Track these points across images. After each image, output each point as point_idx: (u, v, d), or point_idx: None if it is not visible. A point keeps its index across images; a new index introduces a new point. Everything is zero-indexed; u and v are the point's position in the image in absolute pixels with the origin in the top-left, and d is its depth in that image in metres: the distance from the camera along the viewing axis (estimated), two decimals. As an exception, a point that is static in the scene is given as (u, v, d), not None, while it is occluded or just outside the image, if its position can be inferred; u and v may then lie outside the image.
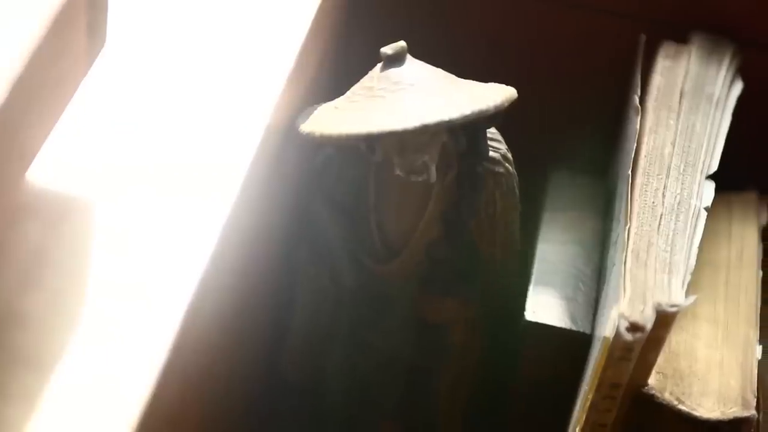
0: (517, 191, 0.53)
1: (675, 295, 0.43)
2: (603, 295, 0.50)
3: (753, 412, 0.44)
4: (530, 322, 0.51)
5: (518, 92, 0.49)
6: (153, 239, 0.39)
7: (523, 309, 0.51)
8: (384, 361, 0.54)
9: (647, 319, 0.42)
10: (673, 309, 0.42)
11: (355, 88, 0.49)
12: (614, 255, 0.48)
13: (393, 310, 0.53)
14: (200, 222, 0.40)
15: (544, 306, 0.51)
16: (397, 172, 0.49)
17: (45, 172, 0.40)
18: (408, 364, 0.54)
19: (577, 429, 0.45)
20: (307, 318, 0.55)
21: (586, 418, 0.44)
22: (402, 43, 0.48)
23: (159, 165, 0.42)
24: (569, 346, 0.50)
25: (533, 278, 0.53)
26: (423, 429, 0.56)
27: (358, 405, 0.56)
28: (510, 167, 0.52)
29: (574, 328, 0.51)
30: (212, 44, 0.47)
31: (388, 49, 0.48)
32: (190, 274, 0.38)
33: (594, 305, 0.52)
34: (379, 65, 0.49)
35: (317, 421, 0.56)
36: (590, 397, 0.44)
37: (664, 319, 0.42)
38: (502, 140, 0.52)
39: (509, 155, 0.52)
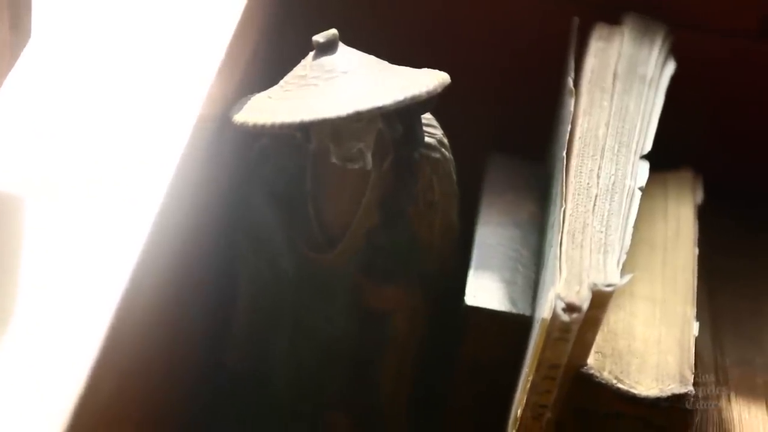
0: (454, 176, 0.53)
1: (610, 275, 0.43)
2: (542, 277, 0.50)
3: (690, 388, 0.45)
4: (470, 306, 0.51)
5: (454, 77, 0.49)
6: (82, 234, 0.39)
7: (463, 293, 0.52)
8: (327, 349, 0.54)
9: (583, 300, 0.42)
10: (609, 288, 0.43)
11: (288, 77, 0.49)
12: (552, 237, 0.48)
13: (334, 298, 0.53)
14: (130, 216, 0.39)
15: (484, 290, 0.52)
16: (333, 160, 0.49)
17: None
18: (351, 352, 0.54)
19: (519, 411, 0.45)
20: (248, 308, 0.54)
21: (527, 399, 0.44)
22: (333, 31, 0.48)
23: (87, 159, 0.41)
24: (510, 329, 0.51)
25: (472, 262, 0.53)
26: (368, 417, 0.56)
27: (302, 394, 0.56)
28: (446, 152, 0.52)
29: (514, 310, 0.51)
30: (140, 36, 0.47)
31: (320, 37, 0.48)
32: (121, 269, 0.37)
33: (534, 287, 0.52)
34: (312, 54, 0.48)
35: (262, 412, 0.56)
36: (530, 378, 0.44)
37: (601, 299, 0.43)
38: (438, 126, 0.52)
39: (445, 140, 0.52)
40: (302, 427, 0.56)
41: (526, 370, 0.45)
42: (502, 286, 0.52)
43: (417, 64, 0.49)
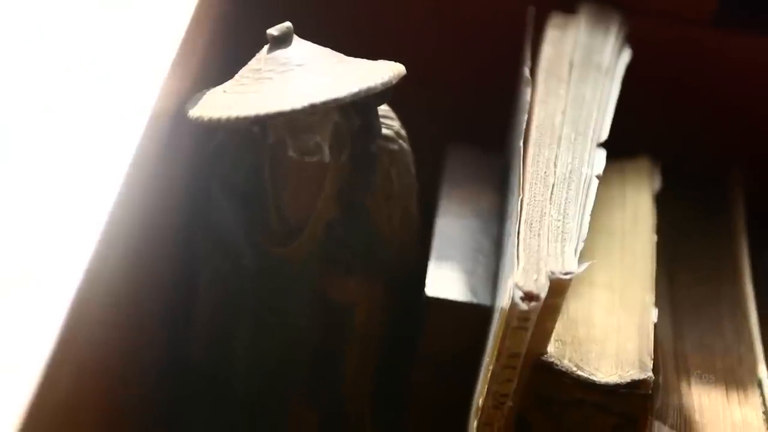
0: (412, 168, 0.53)
1: (568, 263, 0.43)
2: (501, 267, 0.50)
3: (650, 373, 0.45)
4: (431, 297, 0.51)
5: (411, 68, 0.49)
6: (36, 230, 0.38)
7: (424, 285, 0.52)
8: (289, 342, 0.54)
9: (541, 288, 0.42)
10: (567, 276, 0.43)
11: (243, 71, 0.48)
12: (510, 227, 0.48)
13: (295, 292, 0.53)
14: (83, 213, 0.39)
15: (444, 281, 0.52)
16: (291, 153, 0.48)
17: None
18: (313, 345, 0.54)
19: (480, 400, 0.45)
20: (209, 303, 0.54)
21: (488, 388, 0.45)
22: (288, 24, 0.48)
23: (37, 157, 0.41)
24: (470, 320, 0.51)
25: (432, 253, 0.53)
26: (332, 409, 0.56)
27: (266, 389, 0.55)
28: (404, 144, 0.52)
29: (474, 301, 0.51)
30: (92, 30, 0.46)
31: (274, 31, 0.48)
32: (76, 264, 0.37)
33: (494, 278, 0.52)
34: (266, 47, 0.48)
35: (225, 407, 0.56)
36: (491, 367, 0.44)
37: (559, 287, 0.43)
38: (395, 117, 0.52)
39: (403, 132, 0.52)
40: (267, 422, 0.56)
41: (487, 359, 0.46)
42: (462, 277, 0.52)
43: (373, 56, 0.49)
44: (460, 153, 0.58)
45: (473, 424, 0.46)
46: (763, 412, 0.49)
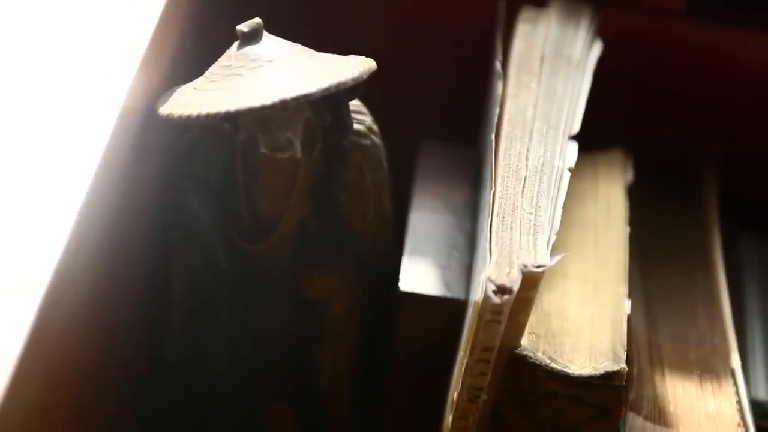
0: (385, 162, 0.53)
1: (540, 256, 0.43)
2: (475, 261, 0.50)
3: (623, 365, 0.45)
4: (404, 292, 0.51)
5: (383, 63, 0.49)
6: (3, 230, 0.38)
7: (398, 279, 0.52)
8: (264, 339, 0.54)
9: (514, 281, 0.42)
10: (539, 269, 0.43)
11: (213, 68, 0.48)
12: (483, 221, 0.48)
13: (270, 288, 0.53)
14: (52, 211, 0.39)
15: (418, 275, 0.52)
16: (262, 149, 0.48)
17: None
18: (289, 342, 0.54)
19: (455, 394, 0.45)
20: (184, 301, 0.54)
21: (462, 382, 0.45)
22: (257, 20, 0.48)
23: (5, 156, 0.41)
24: (445, 314, 0.51)
25: (406, 248, 0.53)
26: (310, 406, 0.56)
27: (242, 386, 0.55)
28: (376, 139, 0.52)
29: (448, 295, 0.51)
30: (61, 27, 0.46)
31: (243, 27, 0.48)
32: (45, 264, 0.37)
33: (468, 272, 0.52)
34: (236, 43, 0.48)
35: (201, 404, 0.56)
36: (465, 361, 0.44)
37: (531, 280, 0.43)
38: (367, 112, 0.52)
39: (375, 127, 0.52)
40: (244, 419, 0.56)
41: (461, 353, 0.46)
42: (437, 271, 0.52)
43: (344, 52, 0.49)
44: (434, 148, 0.58)
45: (449, 418, 0.46)
46: (737, 402, 0.49)
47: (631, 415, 0.48)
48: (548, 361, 0.45)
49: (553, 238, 0.45)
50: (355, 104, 0.51)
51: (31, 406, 0.37)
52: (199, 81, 0.48)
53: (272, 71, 0.47)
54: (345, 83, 0.46)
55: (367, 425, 0.57)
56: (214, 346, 0.55)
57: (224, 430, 0.56)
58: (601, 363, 0.45)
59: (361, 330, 0.55)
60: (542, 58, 0.53)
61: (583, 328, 0.47)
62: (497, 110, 0.50)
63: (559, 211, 0.46)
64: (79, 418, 0.45)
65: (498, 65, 0.52)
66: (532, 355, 0.45)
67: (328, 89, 0.46)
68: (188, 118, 0.46)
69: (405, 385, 0.54)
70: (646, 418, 0.48)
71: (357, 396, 0.56)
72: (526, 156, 0.48)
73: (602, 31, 0.55)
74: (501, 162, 0.48)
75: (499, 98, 0.50)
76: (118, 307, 0.49)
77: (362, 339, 0.55)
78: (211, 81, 0.48)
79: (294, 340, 0.54)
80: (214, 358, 0.55)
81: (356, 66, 0.47)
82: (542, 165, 0.48)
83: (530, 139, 0.49)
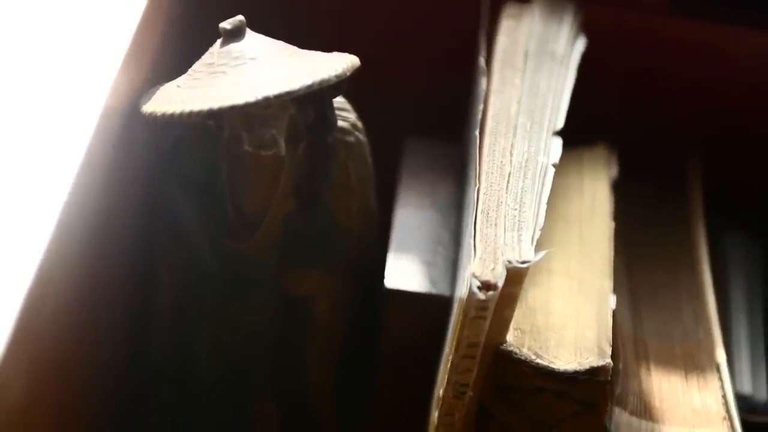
0: (369, 159, 0.53)
1: (525, 252, 0.43)
2: (460, 257, 0.50)
3: (608, 360, 0.45)
4: (390, 288, 0.51)
5: (367, 60, 0.49)
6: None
7: (383, 276, 0.52)
8: (250, 338, 0.54)
9: (498, 277, 0.42)
10: (524, 265, 0.43)
11: (196, 66, 0.48)
12: (468, 217, 0.48)
13: (255, 286, 0.53)
14: (34, 211, 0.39)
15: (403, 272, 0.52)
16: (247, 147, 0.48)
17: None
18: (275, 340, 0.54)
19: (441, 391, 0.45)
20: (169, 300, 0.54)
21: (448, 378, 0.45)
22: (240, 17, 0.48)
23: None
24: (430, 310, 0.51)
25: (391, 245, 0.53)
26: (296, 405, 0.56)
27: (229, 385, 0.55)
28: (360, 136, 0.52)
29: (433, 291, 0.51)
30: (42, 25, 0.46)
31: (226, 24, 0.48)
32: (27, 264, 0.37)
33: (454, 268, 0.52)
34: (219, 41, 0.48)
35: (187, 403, 0.56)
36: (451, 358, 0.44)
37: (516, 276, 0.43)
38: (351, 109, 0.52)
39: (359, 124, 0.52)
40: (230, 417, 0.56)
41: (447, 349, 0.46)
42: (422, 268, 0.52)
43: (328, 49, 0.49)
44: (418, 144, 0.58)
45: (435, 414, 0.46)
46: (722, 396, 0.49)
47: (616, 410, 0.48)
48: (534, 357, 0.45)
49: (538, 233, 0.45)
50: (339, 101, 0.51)
51: (13, 406, 0.37)
52: (182, 79, 0.48)
53: (255, 69, 0.47)
54: (328, 80, 0.46)
55: (353, 422, 0.57)
56: (200, 345, 0.55)
57: (211, 427, 0.56)
58: (587, 358, 0.45)
59: (347, 327, 0.55)
60: (526, 54, 0.53)
61: (568, 323, 0.47)
62: (481, 106, 0.50)
63: (544, 206, 0.46)
64: (62, 418, 0.45)
65: (482, 61, 0.52)
66: (518, 351, 0.45)
67: (311, 86, 0.46)
68: (172, 116, 0.46)
69: (390, 381, 0.54)
70: (631, 413, 0.48)
71: (343, 393, 0.56)
72: (511, 152, 0.48)
73: (586, 26, 0.55)
74: (485, 158, 0.48)
75: (483, 94, 0.50)
76: (101, 307, 0.49)
77: (348, 336, 0.55)
78: (195, 79, 0.47)
79: (280, 337, 0.54)
80: (200, 356, 0.55)
81: (340, 63, 0.47)
82: (526, 161, 0.48)
83: (514, 135, 0.49)
